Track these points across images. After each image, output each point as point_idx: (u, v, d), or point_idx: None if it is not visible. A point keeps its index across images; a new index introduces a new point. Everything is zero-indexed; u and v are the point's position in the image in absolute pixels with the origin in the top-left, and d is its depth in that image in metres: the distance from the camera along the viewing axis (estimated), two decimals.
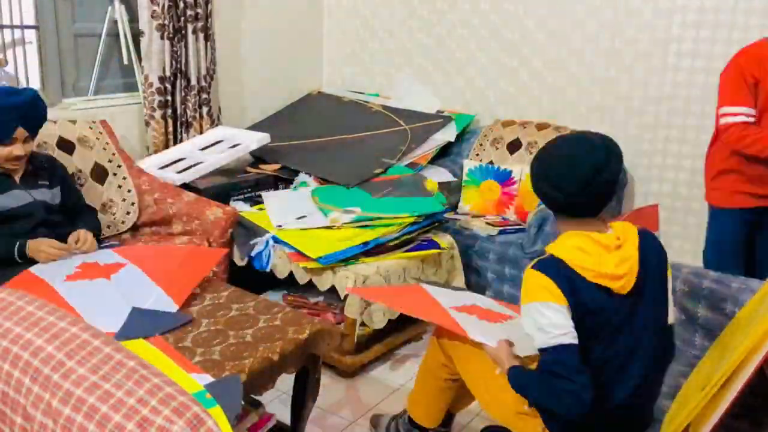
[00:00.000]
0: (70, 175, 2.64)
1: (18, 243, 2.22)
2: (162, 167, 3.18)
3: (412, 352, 2.90)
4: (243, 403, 1.71)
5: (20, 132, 2.27)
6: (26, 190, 2.37)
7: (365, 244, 2.67)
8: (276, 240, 2.78)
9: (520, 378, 1.59)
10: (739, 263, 2.57)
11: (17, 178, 2.37)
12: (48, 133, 2.73)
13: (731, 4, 3.00)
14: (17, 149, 2.29)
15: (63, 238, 2.32)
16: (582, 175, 1.52)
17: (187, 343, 1.81)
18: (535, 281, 1.52)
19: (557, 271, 1.51)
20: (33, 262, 2.22)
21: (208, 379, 1.60)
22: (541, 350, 1.51)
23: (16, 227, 2.29)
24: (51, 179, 2.47)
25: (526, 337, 1.55)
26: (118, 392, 0.96)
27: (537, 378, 1.54)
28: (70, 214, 2.50)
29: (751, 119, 2.39)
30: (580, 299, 1.49)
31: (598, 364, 1.52)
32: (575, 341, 1.47)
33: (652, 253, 1.61)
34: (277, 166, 3.42)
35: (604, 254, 1.53)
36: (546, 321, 1.48)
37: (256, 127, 3.90)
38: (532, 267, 1.54)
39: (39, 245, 2.22)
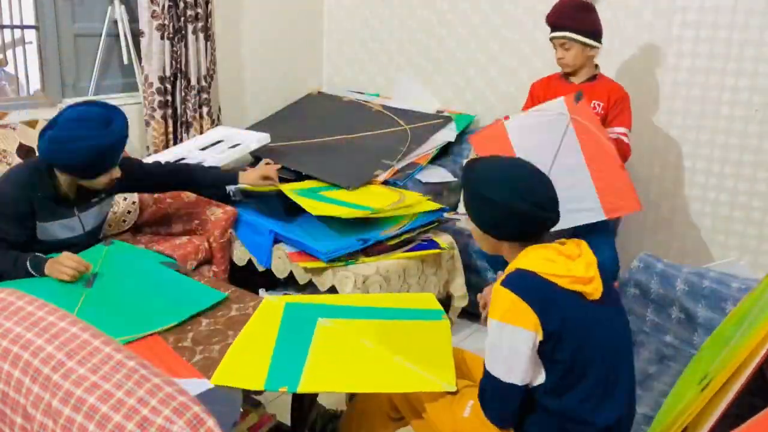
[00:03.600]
0: (130, 163, 2.44)
1: (30, 258, 2.05)
2: None
3: None
4: (243, 403, 1.71)
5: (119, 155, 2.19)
6: (80, 214, 2.26)
7: (365, 240, 2.67)
8: (276, 238, 2.78)
9: None
10: None
11: (73, 197, 2.23)
12: None
13: (731, 4, 3.00)
14: (117, 172, 2.20)
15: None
16: (543, 191, 1.55)
17: (187, 342, 1.80)
18: (505, 299, 1.45)
19: (529, 285, 1.45)
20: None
21: (208, 384, 1.59)
22: (489, 373, 1.50)
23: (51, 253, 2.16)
24: (109, 189, 2.34)
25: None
26: (118, 392, 0.96)
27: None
28: (167, 179, 2.52)
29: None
30: (557, 312, 1.43)
31: (584, 380, 1.48)
32: (524, 383, 1.46)
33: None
34: (277, 166, 3.41)
35: (569, 262, 1.50)
36: (507, 352, 1.44)
37: (256, 127, 3.90)
38: (502, 284, 1.47)
39: (58, 264, 2.03)
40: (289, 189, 3.00)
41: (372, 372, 1.66)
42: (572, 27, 2.74)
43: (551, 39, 2.82)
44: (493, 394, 1.50)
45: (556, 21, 2.79)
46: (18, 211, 2.12)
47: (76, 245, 2.24)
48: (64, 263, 2.03)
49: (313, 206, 2.76)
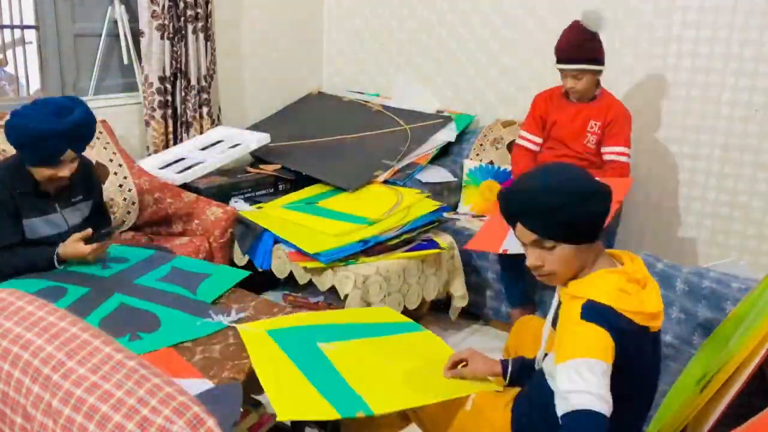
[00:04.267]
0: (96, 176, 2.51)
1: (51, 251, 2.16)
2: (162, 167, 3.18)
3: None
4: (243, 403, 1.71)
5: (68, 154, 2.13)
6: (62, 210, 2.28)
7: (365, 242, 2.67)
8: (276, 239, 2.78)
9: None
10: None
11: (53, 194, 2.26)
12: None
13: (731, 4, 3.00)
14: (62, 171, 2.15)
15: None
16: (601, 193, 1.44)
17: (187, 342, 1.81)
18: (591, 335, 1.32)
19: (609, 320, 1.34)
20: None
21: (209, 384, 1.59)
22: (569, 414, 1.30)
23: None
24: (86, 191, 2.37)
25: None
26: (118, 392, 0.96)
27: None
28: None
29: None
30: (627, 347, 1.35)
31: (635, 411, 1.47)
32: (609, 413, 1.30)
33: None
34: (277, 166, 3.41)
35: (641, 292, 1.41)
36: (597, 382, 1.28)
37: (256, 127, 3.90)
38: (585, 319, 1.34)
39: (76, 249, 2.16)
40: (281, 206, 3.00)
41: (424, 383, 1.67)
42: (584, 59, 2.78)
43: (562, 70, 2.84)
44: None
45: (569, 55, 2.80)
46: (6, 208, 2.15)
47: (60, 241, 2.25)
48: (78, 248, 2.14)
49: (308, 226, 2.75)
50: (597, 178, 1.48)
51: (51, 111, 2.10)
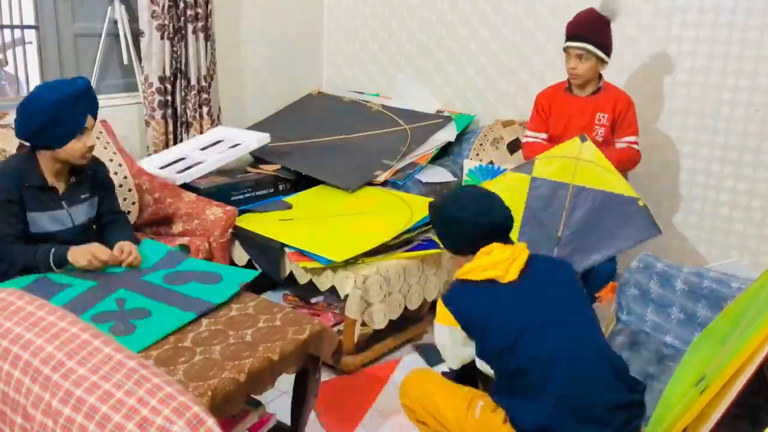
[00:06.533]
0: (111, 181, 2.51)
1: (53, 250, 2.11)
2: (162, 167, 3.18)
3: (412, 352, 2.90)
4: (243, 403, 1.71)
5: (89, 120, 2.18)
6: (68, 208, 2.27)
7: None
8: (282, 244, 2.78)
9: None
10: None
11: (61, 191, 2.26)
12: None
13: (731, 4, 3.00)
14: (90, 140, 2.20)
15: None
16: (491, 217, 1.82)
17: (187, 342, 1.80)
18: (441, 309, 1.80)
19: (451, 293, 1.79)
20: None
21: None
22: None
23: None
24: (92, 188, 2.37)
25: None
26: (118, 392, 0.96)
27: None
28: (102, 220, 2.41)
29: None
30: (472, 306, 1.74)
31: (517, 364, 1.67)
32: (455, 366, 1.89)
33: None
34: (277, 166, 3.41)
35: (485, 257, 1.77)
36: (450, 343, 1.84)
37: (256, 127, 3.90)
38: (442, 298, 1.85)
39: (88, 250, 2.12)
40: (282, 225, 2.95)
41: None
42: (593, 40, 2.77)
43: (567, 48, 2.83)
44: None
45: (577, 31, 2.80)
46: (8, 200, 2.14)
47: (64, 238, 2.26)
48: (96, 255, 2.12)
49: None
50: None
51: (59, 84, 2.16)
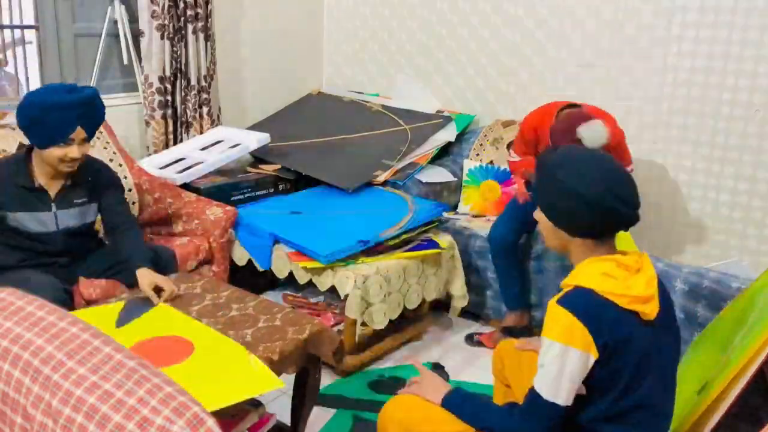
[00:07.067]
0: (118, 187, 2.46)
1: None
2: (162, 167, 3.18)
3: (412, 352, 2.90)
4: (243, 403, 1.71)
5: (78, 132, 2.13)
6: (55, 211, 2.26)
7: (365, 242, 2.67)
8: (276, 239, 2.78)
9: (467, 406, 1.52)
10: None
11: (53, 194, 2.25)
12: None
13: (731, 4, 3.00)
14: (73, 151, 2.14)
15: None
16: (631, 189, 1.46)
17: None
18: (560, 318, 1.37)
19: (585, 304, 1.37)
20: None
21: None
22: (534, 389, 1.40)
23: (35, 246, 2.24)
24: (91, 194, 2.34)
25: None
26: (118, 392, 0.96)
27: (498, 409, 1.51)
28: (107, 226, 2.38)
29: None
30: (612, 333, 1.36)
31: (631, 404, 1.41)
32: (566, 404, 1.38)
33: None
34: (277, 166, 3.42)
35: (630, 277, 1.42)
36: (557, 372, 1.36)
37: (256, 127, 3.90)
38: (558, 302, 1.39)
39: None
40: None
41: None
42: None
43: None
44: (532, 410, 1.42)
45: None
46: None
47: (47, 243, 2.26)
48: None
49: None
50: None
51: (61, 88, 2.15)
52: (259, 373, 1.67)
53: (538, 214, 1.55)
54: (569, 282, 1.44)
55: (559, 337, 1.36)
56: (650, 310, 1.40)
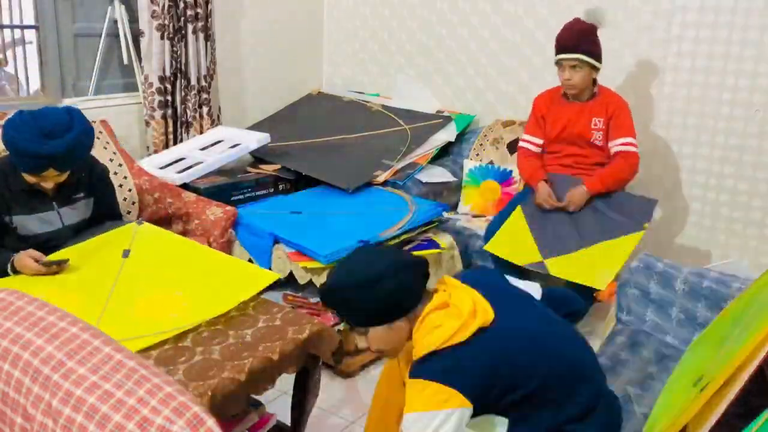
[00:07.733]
0: (109, 181, 2.48)
1: (7, 256, 2.10)
2: (162, 167, 3.18)
3: None
4: (243, 403, 1.71)
5: (50, 172, 2.13)
6: (58, 209, 2.26)
7: (364, 242, 2.67)
8: (276, 239, 2.78)
9: None
10: None
11: (51, 193, 2.25)
12: None
13: (731, 4, 3.00)
14: (45, 183, 2.16)
15: None
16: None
17: (187, 342, 1.80)
18: (423, 389, 1.39)
19: (439, 366, 1.40)
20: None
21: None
22: None
23: (42, 247, 2.20)
24: (89, 188, 2.35)
25: None
26: (118, 392, 0.96)
27: None
28: (96, 222, 2.38)
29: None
30: (478, 371, 1.40)
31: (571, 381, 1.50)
32: None
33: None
34: (277, 166, 3.42)
35: (449, 312, 1.45)
36: None
37: (256, 127, 3.90)
38: (413, 376, 1.42)
39: (23, 262, 2.07)
40: None
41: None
42: (585, 49, 2.79)
43: (560, 60, 2.84)
44: None
45: (568, 43, 2.81)
46: None
47: (55, 239, 2.25)
48: (27, 265, 2.07)
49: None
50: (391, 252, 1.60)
51: (40, 131, 2.06)
52: (253, 271, 2.02)
53: (371, 339, 1.54)
54: (416, 355, 1.44)
55: (426, 406, 1.36)
56: (485, 316, 1.43)
